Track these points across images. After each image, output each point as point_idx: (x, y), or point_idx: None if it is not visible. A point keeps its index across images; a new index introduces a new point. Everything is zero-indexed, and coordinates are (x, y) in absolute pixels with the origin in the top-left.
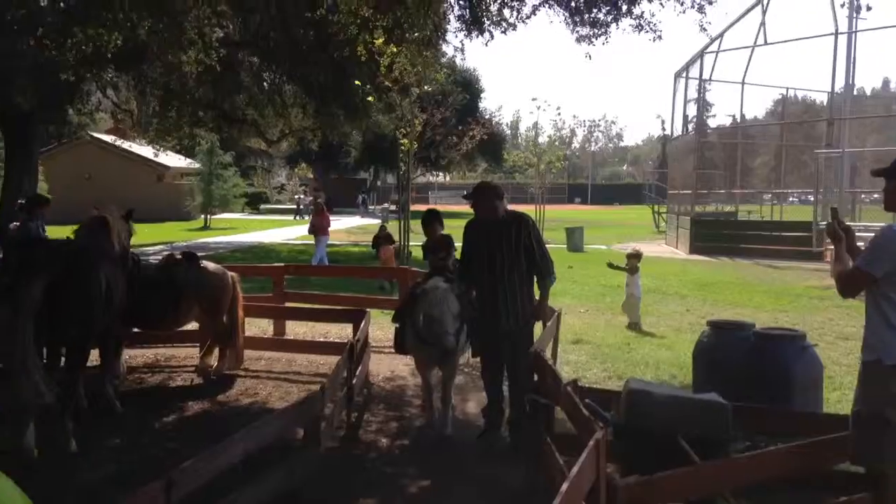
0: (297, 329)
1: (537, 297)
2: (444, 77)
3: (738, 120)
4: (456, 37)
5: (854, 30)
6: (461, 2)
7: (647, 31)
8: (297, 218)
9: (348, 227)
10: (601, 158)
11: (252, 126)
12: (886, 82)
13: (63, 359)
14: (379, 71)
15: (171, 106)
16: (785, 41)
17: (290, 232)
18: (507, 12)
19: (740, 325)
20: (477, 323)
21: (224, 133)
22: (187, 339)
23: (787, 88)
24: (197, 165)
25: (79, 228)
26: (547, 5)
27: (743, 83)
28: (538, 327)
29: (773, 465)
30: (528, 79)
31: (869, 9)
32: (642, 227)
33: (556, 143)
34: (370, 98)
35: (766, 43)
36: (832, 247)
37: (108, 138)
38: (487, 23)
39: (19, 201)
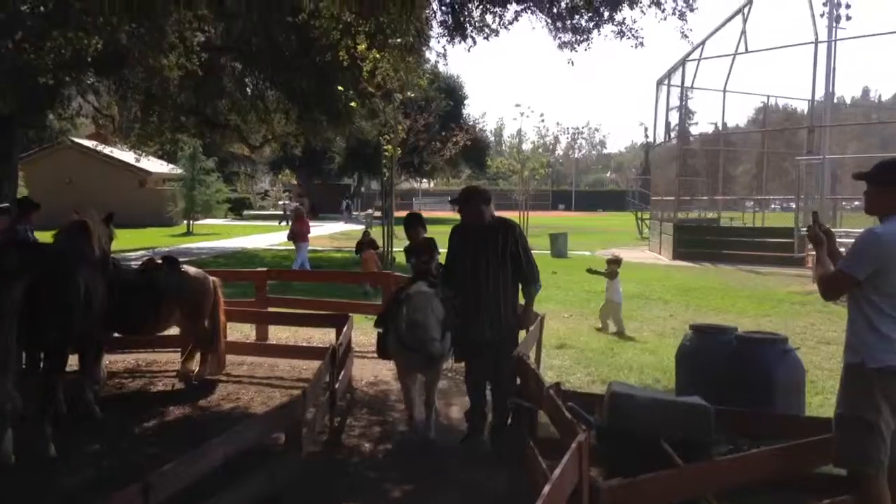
0: (279, 334)
1: (522, 304)
2: (427, 83)
3: (720, 127)
4: (439, 42)
5: (834, 38)
6: (444, 7)
7: (628, 38)
8: (283, 224)
9: (332, 233)
10: (585, 165)
11: (235, 131)
12: (866, 91)
13: (41, 363)
14: (362, 76)
15: (153, 111)
16: (766, 49)
17: (274, 238)
18: (489, 18)
19: (722, 328)
20: (461, 329)
21: (206, 138)
22: (168, 343)
23: (769, 96)
24: (179, 171)
25: (58, 232)
26: (529, 11)
27: (724, 91)
28: (522, 333)
29: (755, 468)
30: (512, 86)
31: (848, 18)
32: (626, 234)
33: (540, 149)
34: (353, 104)
35: (747, 51)
36: (813, 253)
37: (90, 143)
38: (470, 28)
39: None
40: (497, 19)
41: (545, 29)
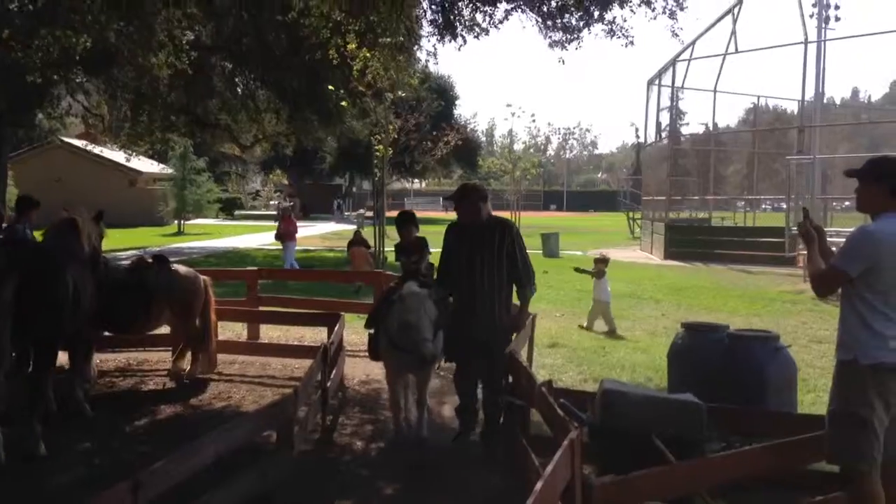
0: (271, 333)
1: (515, 305)
2: (418, 82)
3: (711, 128)
4: (429, 41)
5: (823, 39)
6: (434, 6)
7: (618, 37)
8: (278, 223)
9: (323, 233)
10: (576, 166)
11: (225, 131)
12: (855, 92)
13: (30, 362)
14: (352, 75)
15: (143, 110)
16: (756, 49)
17: (265, 237)
18: (479, 17)
19: (714, 326)
20: (454, 328)
21: (197, 138)
22: (159, 342)
23: (759, 97)
24: (170, 170)
25: (47, 230)
26: (519, 10)
27: (715, 91)
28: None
29: (747, 465)
30: (503, 86)
31: (837, 19)
32: (617, 234)
33: (531, 150)
34: (344, 103)
35: (737, 51)
36: (804, 252)
37: (80, 143)
38: (460, 27)
39: None
40: (487, 18)
41: (535, 28)
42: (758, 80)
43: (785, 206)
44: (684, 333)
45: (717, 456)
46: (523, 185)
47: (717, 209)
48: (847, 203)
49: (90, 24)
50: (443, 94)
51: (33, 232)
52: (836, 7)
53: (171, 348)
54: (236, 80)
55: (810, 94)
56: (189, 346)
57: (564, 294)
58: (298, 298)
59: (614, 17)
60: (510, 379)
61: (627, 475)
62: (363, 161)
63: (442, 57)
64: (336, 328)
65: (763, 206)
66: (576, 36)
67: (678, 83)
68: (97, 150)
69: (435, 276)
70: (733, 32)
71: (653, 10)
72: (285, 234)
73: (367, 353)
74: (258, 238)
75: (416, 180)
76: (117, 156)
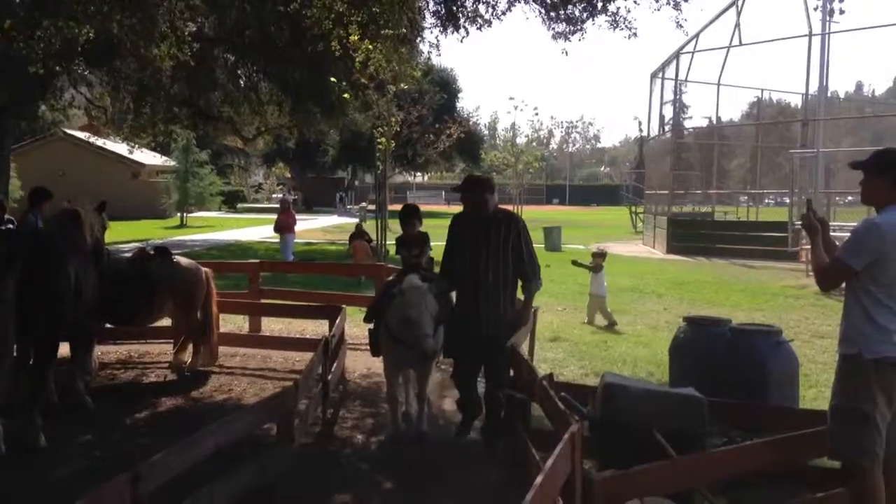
0: (272, 326)
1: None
2: (420, 75)
3: (714, 121)
4: (431, 33)
5: (827, 31)
6: None
7: (622, 29)
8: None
9: (325, 226)
10: (578, 159)
11: (228, 123)
12: (859, 85)
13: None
14: (354, 67)
15: (146, 102)
16: (760, 42)
17: (268, 230)
18: (482, 8)
19: (716, 320)
20: (457, 322)
21: (200, 130)
22: (161, 335)
23: (763, 90)
24: (173, 163)
25: (49, 221)
26: (522, 1)
27: (718, 84)
28: None
29: (749, 460)
30: (506, 80)
31: (842, 12)
32: (620, 228)
33: (534, 143)
34: (346, 95)
35: (741, 44)
36: (807, 247)
37: (82, 135)
38: (463, 19)
39: None
40: (490, 9)
41: (539, 19)
42: (761, 74)
43: (788, 201)
44: (686, 327)
45: (719, 451)
46: (526, 178)
47: (719, 203)
48: (850, 197)
49: (92, 14)
50: (445, 86)
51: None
52: (841, 0)
53: (172, 340)
54: (239, 72)
55: (814, 87)
56: (190, 338)
57: (566, 288)
58: (300, 291)
59: (617, 8)
60: (511, 372)
61: (628, 469)
62: (365, 154)
63: (444, 49)
64: (337, 321)
65: (766, 201)
66: (579, 27)
67: (682, 76)
68: (100, 142)
69: (438, 269)
70: (737, 25)
71: (657, 1)
72: (284, 227)
73: (368, 347)
74: (260, 231)
75: (419, 174)
76: (120, 148)
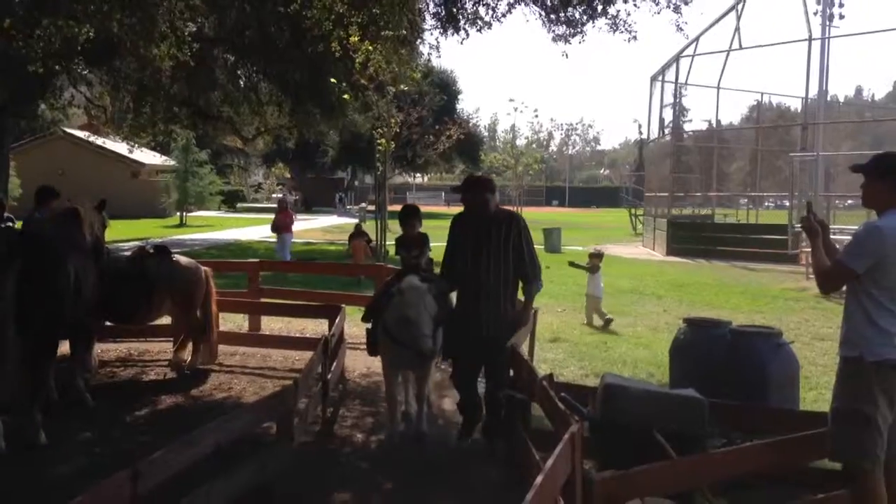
0: (272, 325)
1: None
2: (420, 76)
3: (714, 124)
4: (431, 34)
5: (827, 36)
6: None
7: (622, 32)
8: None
9: (325, 227)
10: (578, 162)
11: (227, 123)
12: (859, 90)
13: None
14: (354, 68)
15: (145, 102)
16: (760, 46)
17: (267, 230)
18: (482, 10)
19: (717, 322)
20: (456, 323)
21: (199, 130)
22: (160, 333)
23: (762, 93)
24: (172, 162)
25: (49, 219)
26: (522, 3)
27: (718, 87)
28: None
29: (749, 461)
30: (506, 82)
31: (842, 17)
32: (619, 230)
33: (534, 145)
34: (346, 96)
35: (741, 48)
36: (807, 250)
37: (82, 134)
38: (463, 21)
39: None
40: (490, 11)
41: (539, 21)
42: (761, 77)
43: (788, 204)
44: (686, 329)
45: (719, 452)
46: (525, 180)
47: (719, 206)
48: (850, 201)
49: (92, 14)
50: (445, 88)
51: None
52: (841, 4)
53: (172, 339)
54: (238, 72)
55: (814, 91)
56: (190, 336)
57: (566, 289)
58: (299, 290)
59: (617, 12)
60: (511, 373)
61: (628, 470)
62: (365, 155)
63: (445, 51)
64: (337, 320)
65: (766, 204)
66: (579, 30)
67: (681, 79)
68: (99, 141)
69: (439, 269)
70: (737, 29)
71: (657, 4)
72: (282, 226)
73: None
74: (260, 230)
75: (419, 174)
76: (120, 147)
